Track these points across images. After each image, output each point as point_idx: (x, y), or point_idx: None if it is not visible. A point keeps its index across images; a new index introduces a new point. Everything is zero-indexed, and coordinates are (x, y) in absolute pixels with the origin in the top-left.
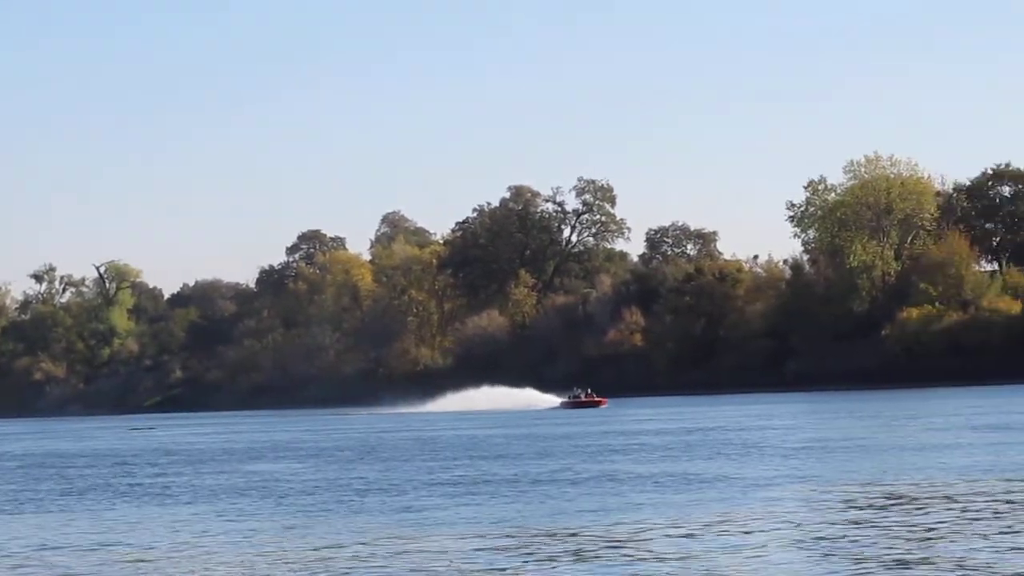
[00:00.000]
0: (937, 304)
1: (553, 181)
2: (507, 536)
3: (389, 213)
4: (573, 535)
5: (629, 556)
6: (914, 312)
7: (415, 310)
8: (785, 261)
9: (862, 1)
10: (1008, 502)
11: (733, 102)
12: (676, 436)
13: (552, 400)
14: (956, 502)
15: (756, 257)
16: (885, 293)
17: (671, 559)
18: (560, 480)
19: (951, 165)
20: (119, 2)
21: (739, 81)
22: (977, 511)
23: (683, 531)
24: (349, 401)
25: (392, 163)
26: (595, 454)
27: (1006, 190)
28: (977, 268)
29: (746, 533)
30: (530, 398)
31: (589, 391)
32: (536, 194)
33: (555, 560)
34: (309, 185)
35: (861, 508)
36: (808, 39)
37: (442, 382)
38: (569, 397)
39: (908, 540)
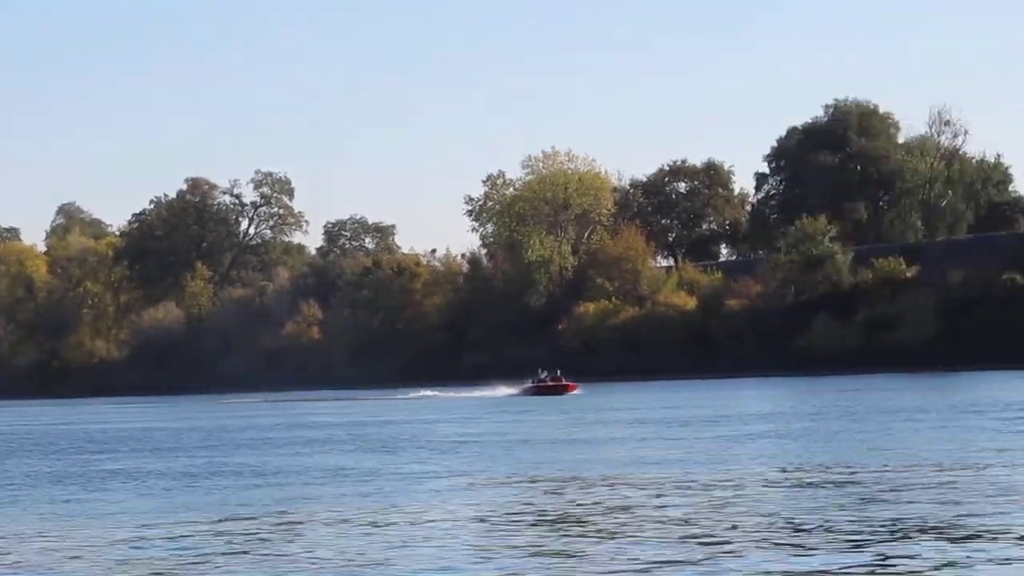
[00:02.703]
0: (614, 299)
1: (231, 173)
2: (165, 528)
3: (64, 204)
4: (237, 528)
5: (291, 549)
6: (590, 307)
7: (90, 302)
8: (463, 255)
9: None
10: (635, 496)
11: (411, 95)
12: (343, 429)
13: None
14: (603, 494)
15: (434, 251)
16: (562, 288)
17: (332, 552)
18: (221, 473)
19: (628, 162)
20: None
21: (417, 74)
22: (614, 503)
23: (345, 524)
24: (21, 394)
25: (68, 154)
26: (262, 446)
27: (682, 186)
28: (653, 264)
29: (408, 525)
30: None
31: (557, 373)
32: (213, 186)
33: (215, 553)
34: None
35: (519, 499)
36: (487, 34)
37: (118, 374)
38: (532, 381)
39: (558, 530)
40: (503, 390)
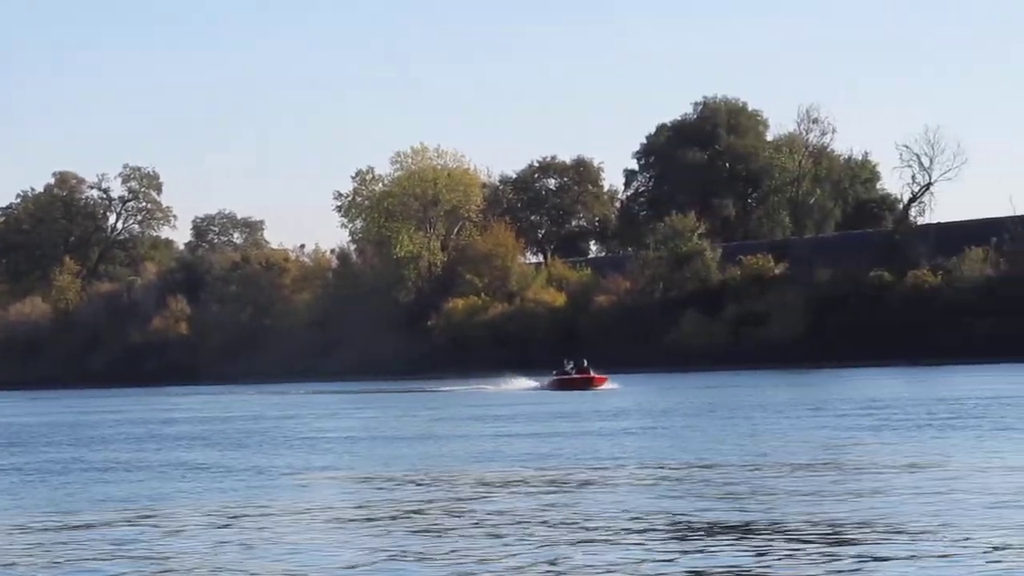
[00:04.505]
0: (483, 295)
1: (98, 168)
2: (12, 525)
3: None
4: (103, 524)
5: (160, 545)
6: (460, 303)
7: None
8: (332, 251)
9: None
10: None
11: (279, 90)
12: (210, 425)
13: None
14: (462, 488)
15: (303, 246)
16: (432, 284)
17: (205, 548)
18: (77, 468)
19: (497, 158)
20: None
21: (284, 69)
22: (467, 498)
23: (217, 520)
24: None
25: None
26: (118, 443)
27: (551, 183)
28: (523, 260)
29: (281, 522)
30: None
31: (584, 364)
32: (81, 180)
33: (82, 550)
34: None
35: (391, 494)
36: (355, 30)
37: None
38: (555, 373)
39: (431, 527)
40: (522, 383)
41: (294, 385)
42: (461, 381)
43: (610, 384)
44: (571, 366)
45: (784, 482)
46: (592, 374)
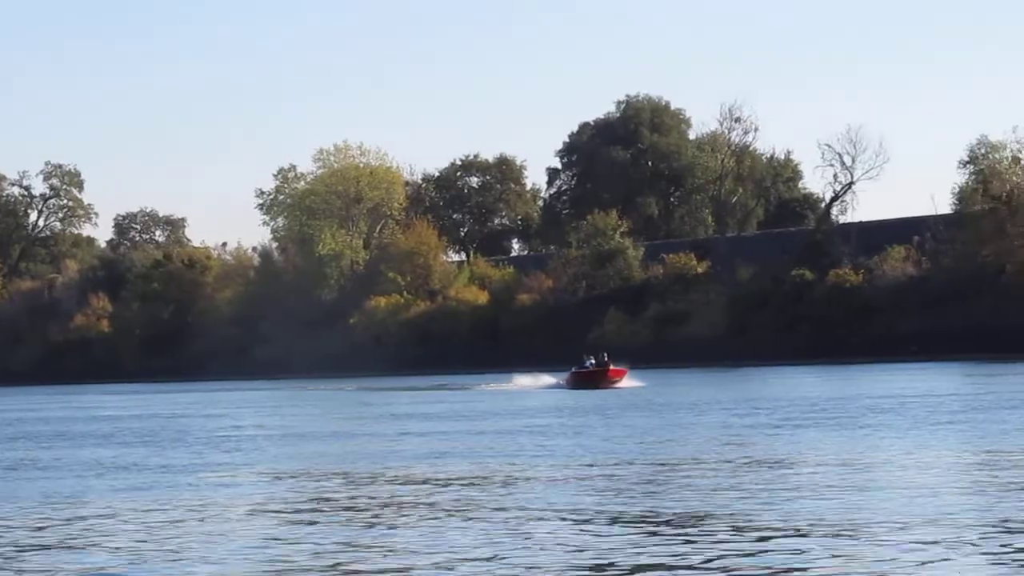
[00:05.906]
0: (405, 293)
1: (19, 165)
2: None
3: None
4: (10, 522)
5: (87, 540)
6: (382, 301)
7: None
8: (254, 249)
9: None
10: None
11: (198, 88)
12: (129, 423)
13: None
14: (376, 487)
15: (225, 244)
16: (354, 282)
17: (133, 543)
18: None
19: (420, 155)
20: None
21: (204, 70)
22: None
23: (143, 516)
24: None
25: None
26: (34, 440)
27: (474, 181)
28: (445, 258)
29: (200, 518)
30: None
31: (604, 358)
32: (2, 178)
33: (19, 547)
34: None
35: (316, 491)
36: (276, 26)
37: None
38: (574, 369)
39: (352, 523)
40: (542, 380)
41: (214, 383)
42: (479, 378)
43: (630, 380)
44: (591, 362)
45: (694, 479)
46: (611, 367)
